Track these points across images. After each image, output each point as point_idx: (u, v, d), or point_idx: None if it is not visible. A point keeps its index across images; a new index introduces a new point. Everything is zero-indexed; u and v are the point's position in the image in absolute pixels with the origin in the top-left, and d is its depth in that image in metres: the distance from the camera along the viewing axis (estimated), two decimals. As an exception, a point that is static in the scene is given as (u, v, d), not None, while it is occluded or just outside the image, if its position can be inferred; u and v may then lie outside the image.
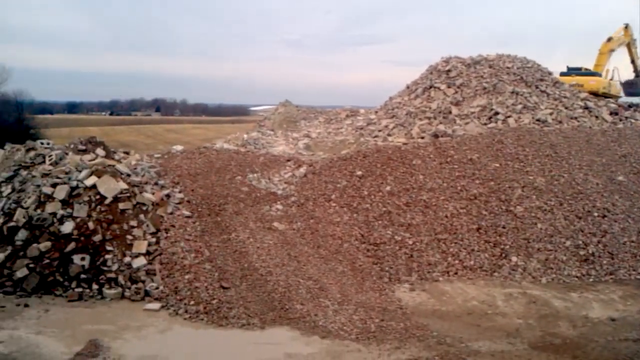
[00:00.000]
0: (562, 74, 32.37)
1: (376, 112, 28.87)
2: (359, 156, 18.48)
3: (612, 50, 33.77)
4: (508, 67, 26.45)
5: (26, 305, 11.34)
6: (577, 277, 14.32)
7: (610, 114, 24.50)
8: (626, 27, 33.32)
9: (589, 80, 31.07)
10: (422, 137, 21.72)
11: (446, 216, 15.92)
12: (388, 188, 16.69)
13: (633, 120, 24.33)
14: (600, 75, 32.52)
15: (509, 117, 22.33)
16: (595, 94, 29.38)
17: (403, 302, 12.52)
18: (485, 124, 22.12)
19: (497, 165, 17.98)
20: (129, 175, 14.85)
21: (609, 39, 33.28)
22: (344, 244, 14.61)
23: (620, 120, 24.10)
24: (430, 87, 26.19)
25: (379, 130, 24.63)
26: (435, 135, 21.25)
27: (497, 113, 22.61)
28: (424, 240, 15.13)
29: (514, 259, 14.80)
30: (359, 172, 17.36)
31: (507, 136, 19.95)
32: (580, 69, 33.57)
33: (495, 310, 12.30)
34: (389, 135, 23.60)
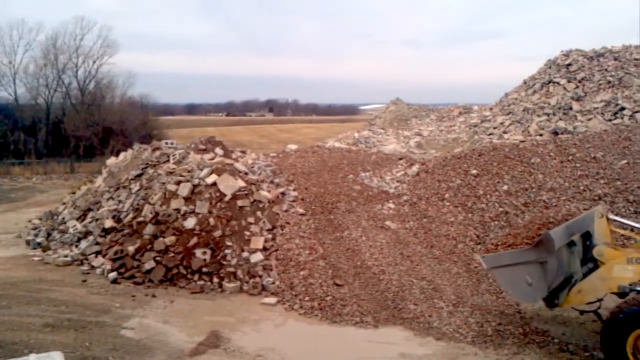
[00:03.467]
0: None
1: (491, 108, 28.09)
2: (473, 154, 18.00)
3: None
4: (636, 59, 24.78)
5: (153, 296, 12.05)
6: None
7: None
8: None
9: None
10: (541, 135, 20.87)
11: (568, 217, 15.16)
12: (505, 187, 16.14)
13: None
14: None
15: (636, 112, 20.96)
16: None
17: (521, 306, 12.04)
18: (610, 120, 20.89)
19: (625, 163, 16.87)
20: (246, 173, 15.39)
21: None
22: (459, 244, 14.28)
23: None
24: (549, 82, 25.14)
25: (494, 128, 23.96)
26: (555, 133, 20.34)
27: (623, 108, 21.27)
28: (544, 242, 14.48)
29: (644, 263, 13.81)
30: (474, 171, 16.91)
31: (635, 133, 18.68)
32: None
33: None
34: (504, 132, 22.90)
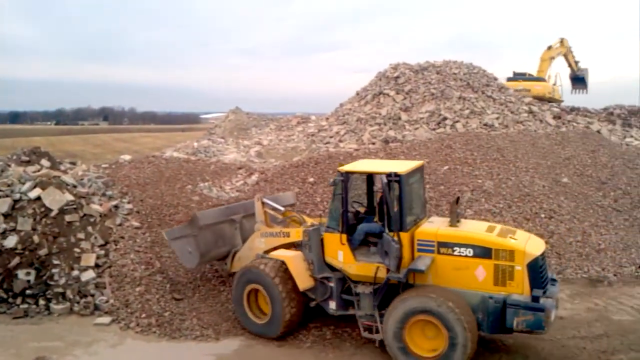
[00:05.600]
0: (509, 79, 33.76)
1: (327, 118, 28.97)
2: (310, 163, 18.48)
3: (553, 58, 35.86)
4: (455, 73, 26.97)
5: (-33, 325, 10.91)
6: (526, 277, 14.58)
7: (554, 117, 25.26)
8: (562, 40, 35.90)
9: (535, 85, 32.65)
10: (373, 143, 21.90)
11: (398, 221, 16.03)
12: (340, 194, 16.70)
13: (575, 124, 25.16)
14: (544, 81, 34.17)
15: (457, 122, 22.75)
16: (540, 98, 30.67)
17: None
18: (434, 129, 22.47)
19: (447, 169, 18.26)
20: (75, 186, 14.44)
21: (549, 47, 35.49)
22: (298, 251, 14.54)
23: (563, 123, 24.88)
24: (380, 93, 26.48)
25: (330, 137, 24.75)
26: (386, 141, 21.46)
27: (445, 118, 23.01)
28: (377, 245, 15.19)
29: (465, 261, 14.97)
30: (311, 179, 17.35)
31: (455, 141, 20.29)
32: (525, 74, 35.19)
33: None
34: (340, 141, 23.73)
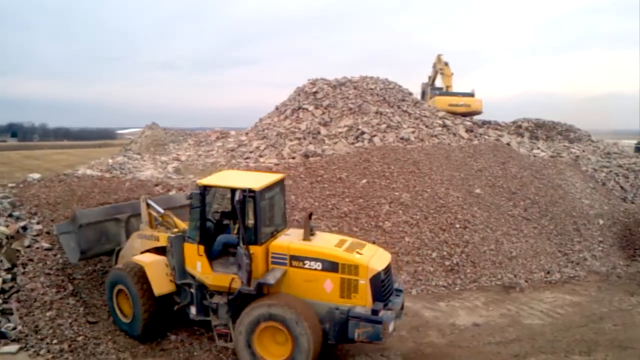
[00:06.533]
0: (444, 94, 35.05)
1: (247, 133, 28.74)
2: (230, 178, 18.23)
3: (453, 73, 37.90)
4: (371, 89, 27.48)
5: None
6: (444, 286, 15.02)
7: (466, 131, 26.19)
8: (439, 56, 38.72)
9: (475, 101, 34.06)
10: (293, 158, 21.93)
11: (319, 235, 16.06)
12: (261, 209, 16.60)
13: (486, 137, 26.18)
14: (473, 96, 35.73)
15: (374, 136, 23.15)
16: (478, 113, 32.11)
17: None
18: (353, 144, 22.77)
19: (365, 182, 18.55)
20: (-22, 207, 13.66)
21: (446, 64, 37.58)
22: (218, 268, 14.31)
23: (475, 137, 25.82)
24: (299, 108, 26.56)
25: (251, 152, 24.56)
26: (306, 155, 21.56)
27: (363, 133, 23.36)
28: (298, 259, 15.15)
29: (385, 273, 15.19)
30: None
31: (373, 155, 20.67)
32: (441, 88, 36.59)
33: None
34: (260, 156, 23.60)
